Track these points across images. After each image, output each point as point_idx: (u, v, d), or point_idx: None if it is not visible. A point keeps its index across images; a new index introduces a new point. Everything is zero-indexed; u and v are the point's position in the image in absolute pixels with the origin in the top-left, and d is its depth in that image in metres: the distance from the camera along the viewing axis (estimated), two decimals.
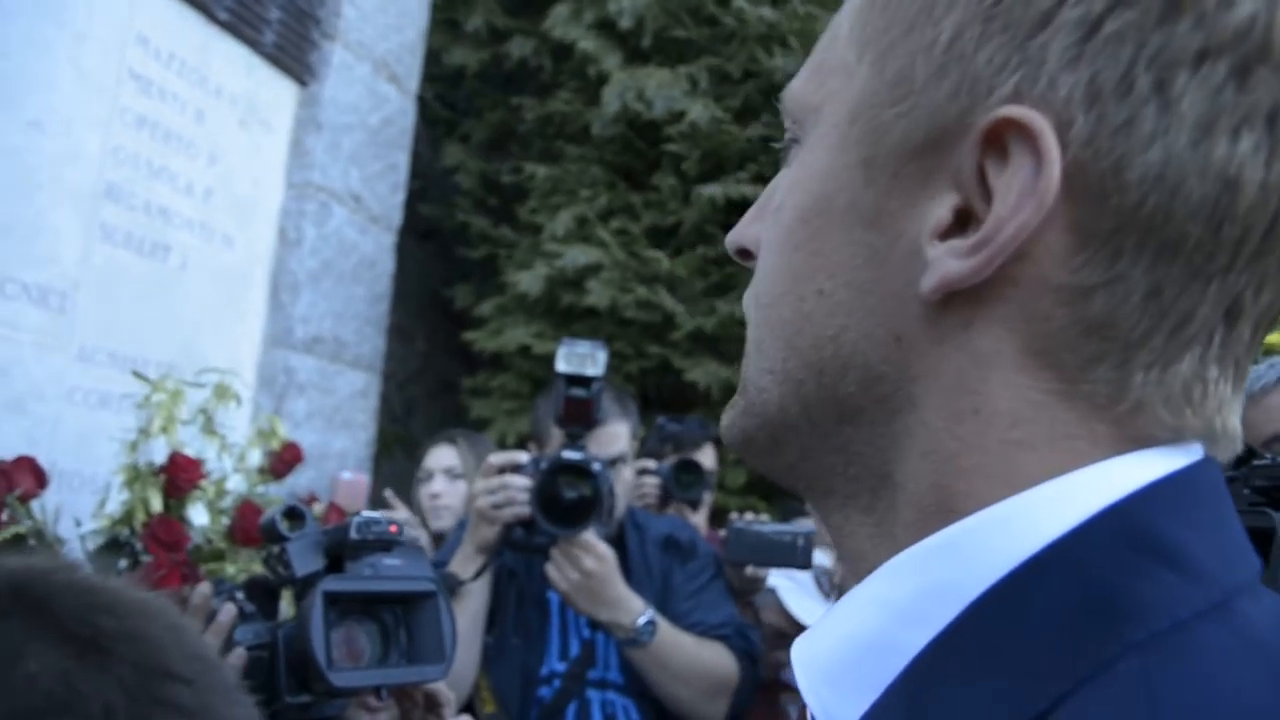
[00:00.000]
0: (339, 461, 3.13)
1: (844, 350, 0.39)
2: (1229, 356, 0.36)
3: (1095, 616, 0.32)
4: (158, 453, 1.57)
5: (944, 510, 0.37)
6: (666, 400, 3.92)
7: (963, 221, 0.36)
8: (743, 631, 1.72)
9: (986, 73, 0.35)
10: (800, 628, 2.13)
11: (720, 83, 3.99)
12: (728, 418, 0.45)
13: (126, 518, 1.46)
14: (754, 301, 0.43)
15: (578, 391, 1.55)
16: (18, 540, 1.33)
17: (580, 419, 1.56)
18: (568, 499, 1.52)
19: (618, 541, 1.68)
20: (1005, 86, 0.34)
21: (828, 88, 0.41)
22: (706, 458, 2.48)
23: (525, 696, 1.63)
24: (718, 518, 2.83)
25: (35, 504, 1.43)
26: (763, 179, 3.86)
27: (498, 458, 1.58)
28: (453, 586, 1.54)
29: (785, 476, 0.44)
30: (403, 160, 3.55)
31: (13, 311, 2.17)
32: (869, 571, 0.39)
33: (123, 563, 1.47)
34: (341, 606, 1.13)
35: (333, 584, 1.11)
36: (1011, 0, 0.35)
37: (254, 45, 2.90)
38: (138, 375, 1.63)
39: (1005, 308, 0.35)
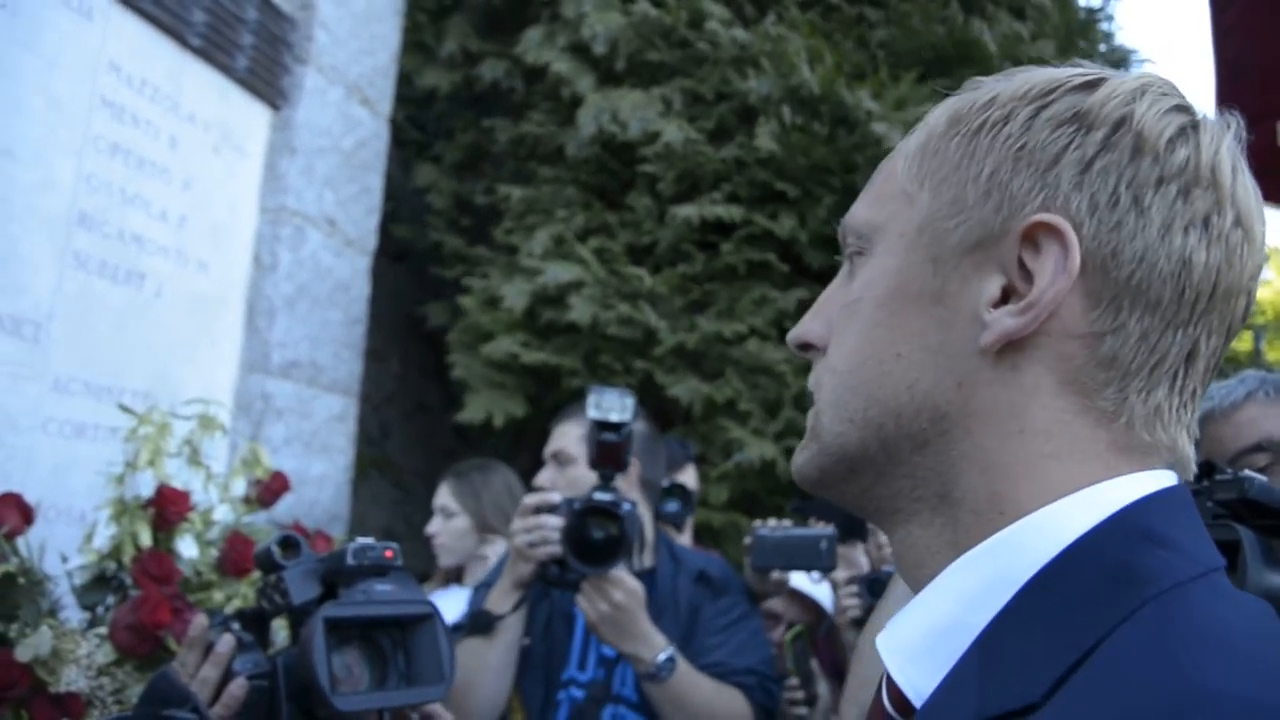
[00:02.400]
0: (318, 486, 3.10)
1: (918, 396, 0.53)
2: (1188, 389, 0.52)
3: (1116, 584, 0.45)
4: (143, 485, 1.55)
5: (997, 513, 0.51)
6: (649, 416, 3.93)
7: (1006, 296, 0.52)
8: (765, 685, 1.74)
9: (1020, 194, 0.52)
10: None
11: (693, 104, 4.04)
12: (801, 459, 0.59)
13: (115, 552, 1.44)
14: (829, 372, 0.58)
15: (608, 436, 1.62)
16: (7, 579, 1.30)
17: (611, 461, 1.63)
18: (596, 539, 1.58)
19: (651, 571, 1.75)
20: (1034, 203, 0.52)
21: (889, 211, 0.58)
22: (689, 478, 2.51)
23: (546, 700, 1.68)
24: (702, 534, 2.84)
25: (20, 541, 1.41)
26: (737, 199, 3.90)
27: (532, 499, 1.65)
28: (489, 622, 1.59)
29: (855, 500, 0.58)
30: (377, 183, 3.54)
31: None
32: (928, 578, 0.52)
33: (110, 598, 1.45)
34: (341, 632, 1.13)
35: (332, 610, 1.11)
36: (1031, 147, 0.52)
37: (226, 70, 2.89)
38: (124, 408, 1.61)
39: (1043, 352, 0.51)
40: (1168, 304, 0.50)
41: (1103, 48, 5.06)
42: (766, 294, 3.82)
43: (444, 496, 2.63)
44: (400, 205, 4.57)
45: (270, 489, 1.75)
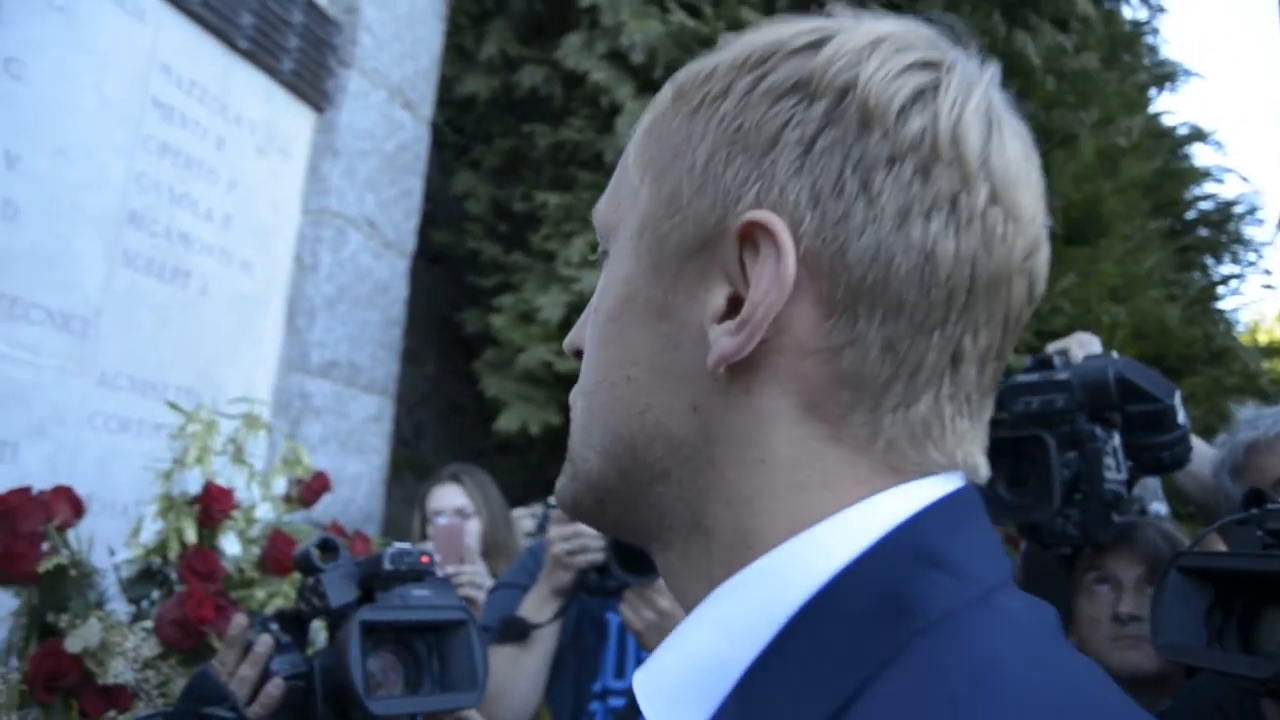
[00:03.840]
0: (353, 486, 3.14)
1: (649, 424, 0.47)
2: (960, 395, 0.45)
3: (885, 616, 0.40)
4: (190, 482, 1.59)
5: (746, 547, 0.45)
6: None
7: (735, 306, 0.45)
8: None
9: (734, 186, 0.45)
10: None
11: None
12: (559, 484, 0.53)
13: (160, 547, 1.47)
14: (579, 392, 0.52)
15: None
16: (58, 571, 1.34)
17: None
18: (639, 548, 1.55)
19: None
20: (749, 196, 0.44)
21: (622, 208, 0.51)
22: None
23: (577, 711, 1.67)
24: None
25: (70, 534, 1.45)
26: None
27: None
28: (525, 630, 1.57)
29: (614, 529, 0.53)
30: (417, 186, 3.58)
31: (36, 337, 2.19)
32: (691, 606, 0.47)
33: (155, 592, 1.48)
34: (376, 636, 1.15)
35: (369, 614, 1.13)
36: (747, 128, 0.45)
37: (273, 73, 2.94)
38: (173, 406, 1.65)
39: (775, 372, 0.45)
40: (914, 305, 0.43)
41: (1148, 61, 4.99)
42: None
43: (459, 498, 2.40)
44: (438, 208, 4.62)
45: (312, 489, 1.78)
